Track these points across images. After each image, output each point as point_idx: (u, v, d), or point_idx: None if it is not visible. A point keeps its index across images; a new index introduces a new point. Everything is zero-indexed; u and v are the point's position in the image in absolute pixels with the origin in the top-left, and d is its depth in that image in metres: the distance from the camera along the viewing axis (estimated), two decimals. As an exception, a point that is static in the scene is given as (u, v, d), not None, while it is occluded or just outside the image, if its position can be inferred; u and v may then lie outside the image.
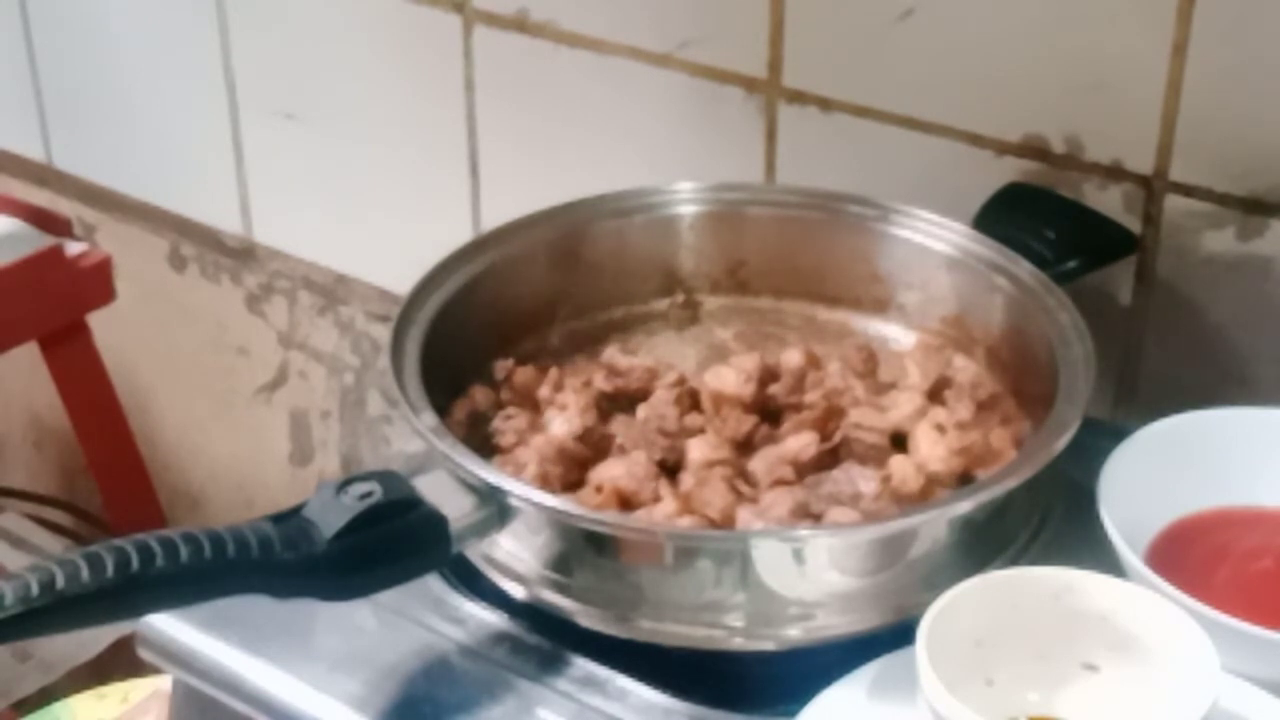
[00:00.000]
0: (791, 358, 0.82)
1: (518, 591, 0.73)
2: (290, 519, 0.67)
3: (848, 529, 0.71)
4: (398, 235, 1.27)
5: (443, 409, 0.76)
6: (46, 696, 1.34)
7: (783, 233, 0.91)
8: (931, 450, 0.76)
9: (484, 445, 0.79)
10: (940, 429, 0.77)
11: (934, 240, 0.87)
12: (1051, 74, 0.92)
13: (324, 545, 0.66)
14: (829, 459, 0.77)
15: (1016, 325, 0.83)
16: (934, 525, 0.71)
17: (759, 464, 0.76)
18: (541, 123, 1.15)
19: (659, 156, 1.09)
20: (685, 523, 0.72)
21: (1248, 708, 0.65)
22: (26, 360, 1.42)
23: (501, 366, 0.83)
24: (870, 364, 0.84)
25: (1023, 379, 0.82)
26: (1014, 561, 0.72)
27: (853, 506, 0.74)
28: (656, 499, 0.74)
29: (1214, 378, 0.92)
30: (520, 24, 1.12)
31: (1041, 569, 0.67)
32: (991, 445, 0.77)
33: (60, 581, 0.61)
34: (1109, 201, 0.92)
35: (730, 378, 0.80)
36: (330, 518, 0.66)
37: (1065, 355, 0.77)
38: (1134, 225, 0.91)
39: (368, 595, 0.69)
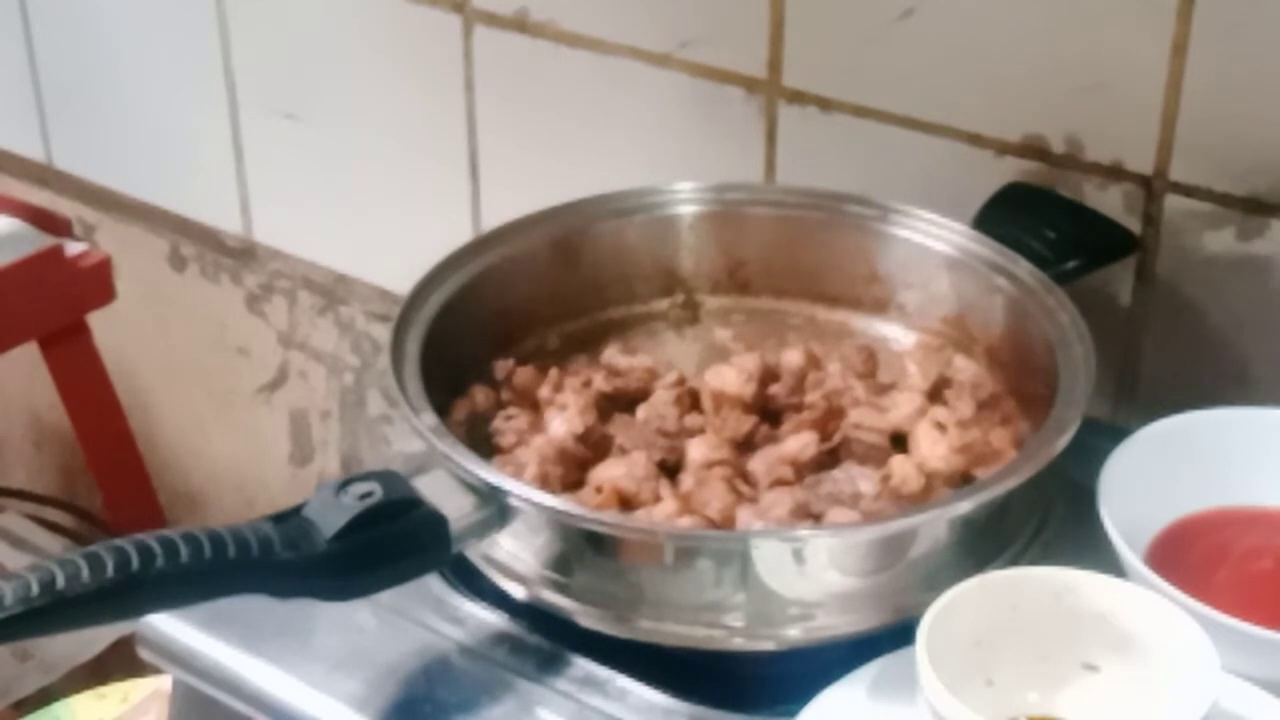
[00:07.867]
0: (791, 358, 0.82)
1: (518, 591, 0.73)
2: (290, 519, 0.67)
3: (848, 529, 0.71)
4: (398, 235, 1.27)
5: (443, 409, 0.76)
6: (46, 696, 1.34)
7: (783, 233, 0.91)
8: (932, 449, 0.76)
9: (484, 445, 0.79)
10: (940, 427, 0.77)
11: (934, 240, 0.87)
12: (1051, 74, 0.92)
13: (324, 545, 0.66)
14: (829, 459, 0.77)
15: (1016, 325, 0.83)
16: (934, 525, 0.71)
17: (759, 464, 0.76)
18: (541, 123, 1.15)
19: (659, 156, 1.09)
20: (685, 523, 0.72)
21: (1248, 708, 0.65)
22: (26, 360, 1.42)
23: (501, 366, 0.83)
24: (870, 364, 0.84)
25: (1023, 379, 0.82)
26: (1014, 561, 0.72)
27: (853, 506, 0.74)
28: (656, 499, 0.74)
29: (1214, 378, 0.92)
30: (520, 24, 1.12)
31: (1041, 569, 0.67)
32: (991, 445, 0.77)
33: (60, 581, 0.61)
34: (1109, 201, 0.92)
35: (730, 378, 0.80)
36: (330, 518, 0.66)
37: (1065, 355, 0.77)
38: (1134, 225, 0.91)
39: (368, 595, 0.69)
